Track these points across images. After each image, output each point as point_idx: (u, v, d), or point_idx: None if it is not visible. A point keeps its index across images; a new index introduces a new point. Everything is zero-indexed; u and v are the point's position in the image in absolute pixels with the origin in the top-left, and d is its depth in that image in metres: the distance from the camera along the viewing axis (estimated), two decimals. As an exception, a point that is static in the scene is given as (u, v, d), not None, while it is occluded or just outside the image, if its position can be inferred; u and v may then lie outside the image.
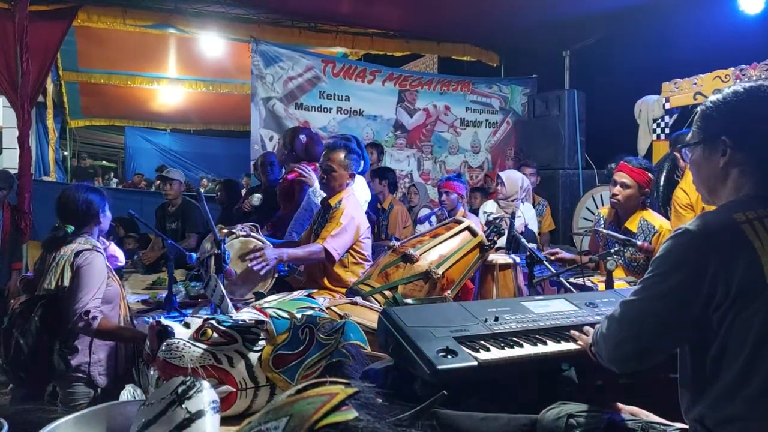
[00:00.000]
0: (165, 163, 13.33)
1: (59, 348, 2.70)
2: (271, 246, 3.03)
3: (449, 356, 1.50)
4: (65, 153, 13.57)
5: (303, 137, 4.16)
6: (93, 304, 2.68)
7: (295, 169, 3.92)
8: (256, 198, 5.26)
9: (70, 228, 2.79)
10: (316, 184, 3.68)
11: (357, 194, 3.56)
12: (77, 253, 2.73)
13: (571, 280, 2.89)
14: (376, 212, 5.43)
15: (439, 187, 4.95)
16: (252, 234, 3.06)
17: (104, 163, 16.80)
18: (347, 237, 3.11)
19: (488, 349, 1.58)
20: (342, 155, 3.22)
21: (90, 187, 3.05)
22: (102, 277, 2.76)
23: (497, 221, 3.11)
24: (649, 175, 3.28)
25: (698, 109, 1.46)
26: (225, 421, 1.10)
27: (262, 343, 1.74)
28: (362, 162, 3.73)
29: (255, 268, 2.90)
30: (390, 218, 5.38)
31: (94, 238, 2.90)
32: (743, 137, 1.35)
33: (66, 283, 2.68)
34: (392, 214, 5.40)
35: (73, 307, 2.63)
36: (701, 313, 1.28)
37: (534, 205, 5.38)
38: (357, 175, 3.67)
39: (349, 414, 0.66)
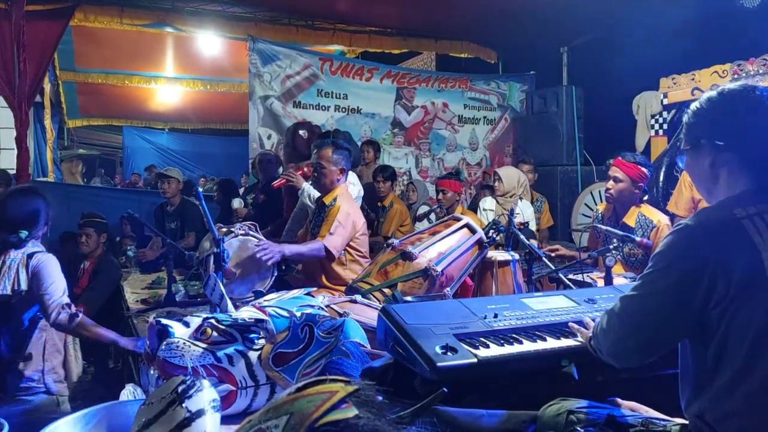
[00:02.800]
0: (162, 163, 13.31)
1: (10, 357, 2.63)
2: (268, 242, 3.03)
3: (449, 353, 1.50)
4: (63, 153, 13.53)
5: (303, 133, 4.16)
6: (67, 299, 2.66)
7: (282, 176, 3.92)
8: (237, 202, 5.28)
9: (24, 233, 2.74)
10: (305, 186, 3.68)
11: (350, 190, 3.57)
12: (30, 255, 2.70)
13: (570, 276, 2.90)
14: (375, 210, 5.43)
15: (436, 186, 4.94)
16: (251, 233, 3.06)
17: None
18: (345, 234, 3.11)
19: (488, 346, 1.58)
20: (330, 151, 3.23)
21: (34, 191, 2.99)
22: (61, 273, 2.74)
23: (497, 220, 3.12)
24: (642, 169, 3.27)
25: (682, 120, 1.50)
26: (225, 419, 1.10)
27: (261, 341, 1.75)
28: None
29: (263, 258, 2.88)
30: (387, 216, 5.38)
31: (39, 242, 2.86)
32: (721, 137, 1.39)
33: (23, 286, 2.65)
34: (390, 212, 5.39)
35: (49, 302, 2.61)
36: (701, 308, 1.28)
37: (532, 202, 5.38)
38: (350, 172, 3.67)
39: (349, 411, 0.66)
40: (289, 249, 3.04)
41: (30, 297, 2.68)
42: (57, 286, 2.67)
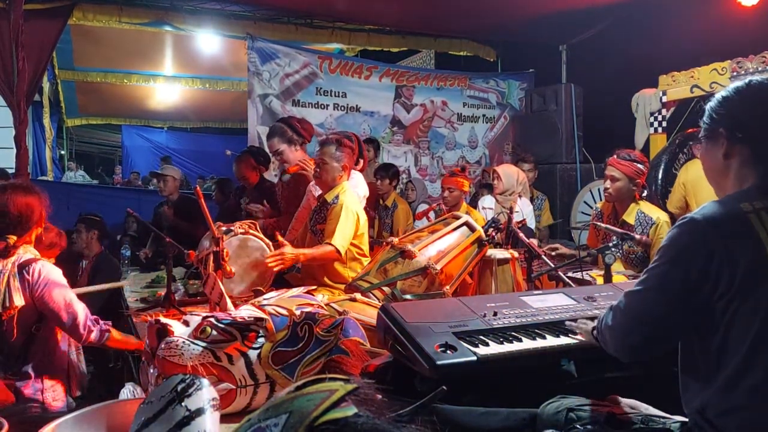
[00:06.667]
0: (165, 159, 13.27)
1: (4, 376, 2.39)
2: (290, 245, 3.04)
3: (448, 351, 1.50)
4: (62, 152, 13.54)
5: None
6: (90, 315, 2.47)
7: (298, 162, 3.92)
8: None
9: (13, 238, 2.42)
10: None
11: (355, 190, 3.56)
12: (22, 266, 2.40)
13: (570, 274, 2.90)
14: (376, 208, 5.42)
15: (442, 183, 4.91)
16: (250, 231, 3.06)
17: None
18: (350, 232, 3.12)
19: (487, 344, 1.58)
20: (333, 148, 3.24)
21: (27, 186, 2.62)
22: (64, 279, 2.49)
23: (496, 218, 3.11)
24: (638, 165, 3.28)
25: (706, 106, 1.49)
26: (225, 418, 1.10)
27: (261, 340, 1.75)
28: (361, 161, 3.74)
29: (275, 268, 2.91)
30: (395, 218, 5.37)
31: (32, 246, 2.55)
32: (739, 128, 1.38)
33: (18, 302, 2.34)
34: (397, 213, 5.39)
35: (77, 324, 2.41)
36: (706, 302, 1.28)
37: (532, 200, 5.37)
38: (355, 172, 3.67)
39: (349, 410, 0.66)
40: (304, 255, 3.06)
41: (30, 313, 2.43)
42: (76, 306, 2.44)
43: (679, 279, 1.30)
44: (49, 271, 2.46)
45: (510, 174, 4.89)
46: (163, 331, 1.69)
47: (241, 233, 3.01)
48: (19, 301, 2.35)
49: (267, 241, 3.07)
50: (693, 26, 5.14)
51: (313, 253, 3.08)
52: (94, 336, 2.47)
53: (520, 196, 4.88)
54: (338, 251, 3.05)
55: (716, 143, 1.42)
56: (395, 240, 2.90)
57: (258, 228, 3.15)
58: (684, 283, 1.30)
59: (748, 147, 1.37)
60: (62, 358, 2.61)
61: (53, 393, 2.52)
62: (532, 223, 4.91)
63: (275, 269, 2.94)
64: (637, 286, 1.38)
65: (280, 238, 3.03)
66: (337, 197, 3.20)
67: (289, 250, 2.96)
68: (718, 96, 1.45)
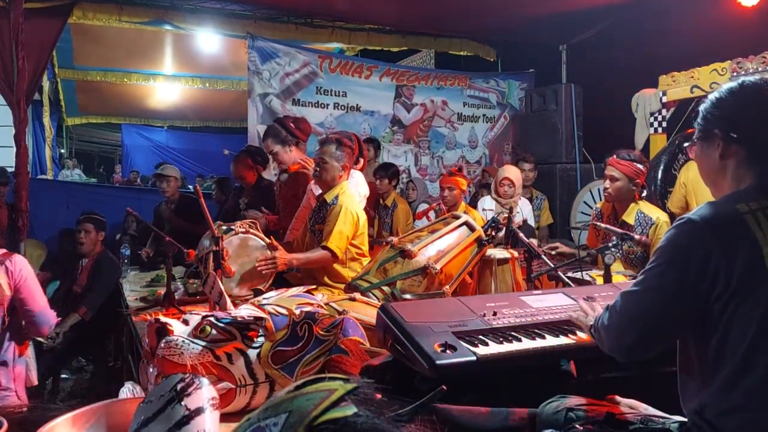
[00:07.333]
0: (162, 160, 13.30)
1: None
2: (282, 249, 3.04)
3: (448, 351, 1.51)
4: (62, 151, 13.54)
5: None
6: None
7: (299, 161, 3.92)
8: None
9: None
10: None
11: (356, 188, 3.56)
12: (2, 259, 2.55)
13: (570, 274, 2.90)
14: (376, 208, 5.41)
15: (441, 183, 4.90)
16: (251, 231, 3.06)
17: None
18: (348, 233, 3.12)
19: (487, 344, 1.58)
20: (333, 147, 3.24)
21: None
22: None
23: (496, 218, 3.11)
24: (638, 166, 3.28)
25: (699, 108, 1.49)
26: (224, 417, 1.10)
27: (261, 339, 1.75)
28: (361, 159, 3.74)
29: (264, 272, 2.92)
30: (395, 217, 5.37)
31: None
32: (734, 128, 1.38)
33: (7, 292, 2.51)
34: (396, 212, 5.38)
35: (43, 319, 2.55)
36: (703, 303, 1.28)
37: (532, 199, 5.37)
38: (356, 171, 3.67)
39: (348, 410, 0.66)
40: (297, 259, 3.05)
41: (8, 304, 2.54)
42: (45, 300, 2.59)
43: (676, 279, 1.31)
44: (26, 264, 2.60)
45: (518, 177, 4.91)
46: (163, 330, 1.69)
47: (242, 232, 3.01)
48: (7, 291, 2.49)
49: (267, 240, 3.07)
50: (693, 26, 5.13)
51: (308, 257, 3.09)
52: (53, 332, 2.66)
53: (520, 197, 4.88)
54: (334, 254, 3.04)
55: (712, 144, 1.42)
56: (395, 239, 2.90)
57: (258, 227, 3.15)
58: (681, 283, 1.30)
59: (744, 147, 1.37)
60: (25, 347, 2.74)
61: (22, 381, 2.66)
62: (531, 222, 4.91)
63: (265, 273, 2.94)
64: (634, 287, 1.39)
65: (273, 242, 3.03)
66: (336, 198, 3.20)
67: (281, 254, 2.96)
68: (711, 97, 1.45)
